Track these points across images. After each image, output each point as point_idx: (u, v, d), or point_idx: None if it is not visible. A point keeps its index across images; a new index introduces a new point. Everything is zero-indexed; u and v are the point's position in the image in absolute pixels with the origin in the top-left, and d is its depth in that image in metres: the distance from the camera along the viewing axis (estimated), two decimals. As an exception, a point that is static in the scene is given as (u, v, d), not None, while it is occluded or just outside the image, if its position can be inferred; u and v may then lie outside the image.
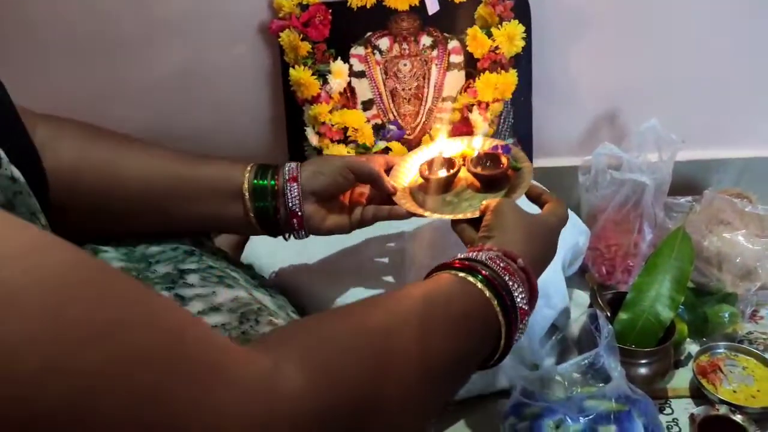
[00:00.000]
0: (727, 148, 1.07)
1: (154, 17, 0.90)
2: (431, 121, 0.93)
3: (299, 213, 0.63)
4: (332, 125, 0.88)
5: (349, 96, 0.92)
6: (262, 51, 0.94)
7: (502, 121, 0.92)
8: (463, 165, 0.70)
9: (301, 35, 0.87)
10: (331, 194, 0.66)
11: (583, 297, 0.91)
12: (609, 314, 0.79)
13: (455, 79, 0.92)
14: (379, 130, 0.93)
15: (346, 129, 0.89)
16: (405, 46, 0.91)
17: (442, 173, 0.70)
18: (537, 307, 0.77)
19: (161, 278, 0.57)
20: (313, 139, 0.90)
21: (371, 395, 0.39)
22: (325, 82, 0.89)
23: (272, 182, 0.62)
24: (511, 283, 0.50)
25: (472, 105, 0.89)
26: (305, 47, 0.87)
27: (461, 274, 0.49)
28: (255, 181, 0.62)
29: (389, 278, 0.79)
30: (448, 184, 0.70)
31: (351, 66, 0.91)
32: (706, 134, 1.05)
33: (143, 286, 0.32)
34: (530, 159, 0.94)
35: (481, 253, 0.52)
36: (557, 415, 0.67)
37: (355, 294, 0.76)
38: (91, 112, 0.95)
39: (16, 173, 0.42)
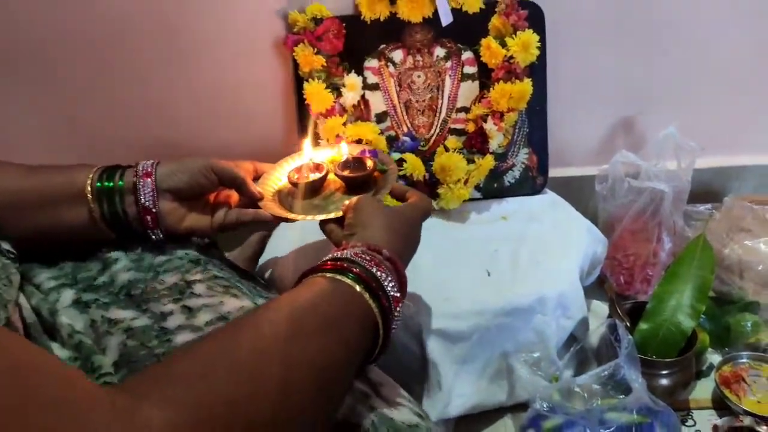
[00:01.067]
0: (747, 154, 1.06)
1: (172, 31, 0.92)
2: (446, 132, 0.93)
3: (153, 210, 0.61)
4: (346, 138, 0.89)
5: (363, 108, 0.93)
6: (276, 65, 0.95)
7: (517, 130, 0.92)
8: (331, 170, 0.71)
9: (315, 49, 0.87)
10: (191, 193, 0.65)
11: (601, 307, 0.90)
12: (628, 324, 0.79)
13: (469, 89, 0.92)
14: (393, 142, 0.93)
15: (360, 141, 0.89)
16: (419, 57, 0.92)
17: (311, 176, 0.71)
18: (555, 318, 0.78)
19: (169, 290, 0.57)
20: (328, 152, 0.90)
21: (248, 421, 0.38)
22: (339, 95, 0.90)
23: (120, 182, 0.60)
24: (379, 274, 0.52)
25: (487, 115, 0.89)
26: (319, 61, 0.87)
27: (329, 275, 0.50)
28: (99, 184, 0.60)
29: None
30: (316, 188, 0.71)
31: (365, 78, 0.92)
32: (726, 141, 1.04)
33: None
34: (546, 169, 0.95)
35: (346, 251, 0.53)
36: (577, 427, 0.67)
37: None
38: (110, 129, 0.99)
39: None
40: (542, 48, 0.88)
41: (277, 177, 0.73)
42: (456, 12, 0.88)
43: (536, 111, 0.92)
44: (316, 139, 0.90)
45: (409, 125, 0.94)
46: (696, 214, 0.92)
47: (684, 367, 0.75)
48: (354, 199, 0.63)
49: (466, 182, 0.90)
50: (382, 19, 0.89)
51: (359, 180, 0.70)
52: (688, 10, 0.92)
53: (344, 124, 0.90)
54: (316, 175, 0.71)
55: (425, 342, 0.74)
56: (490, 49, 0.87)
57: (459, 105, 0.93)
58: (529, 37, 0.85)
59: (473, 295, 0.76)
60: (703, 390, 0.79)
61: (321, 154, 0.75)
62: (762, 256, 0.83)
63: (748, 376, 0.76)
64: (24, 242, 0.58)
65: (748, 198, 0.95)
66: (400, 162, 0.92)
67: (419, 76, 0.92)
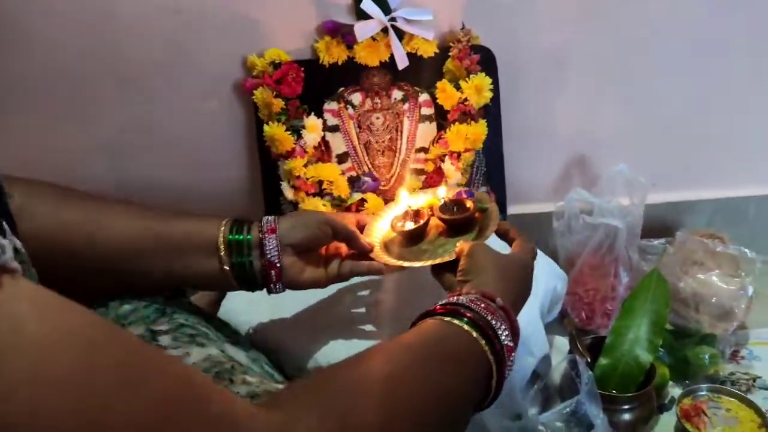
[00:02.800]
0: (698, 189, 1.09)
1: (129, 75, 0.92)
2: (405, 171, 0.94)
3: (278, 264, 0.63)
4: (307, 179, 0.89)
5: (323, 150, 0.93)
6: (236, 107, 0.95)
7: (474, 170, 0.94)
8: (432, 215, 0.72)
9: (275, 92, 0.88)
10: (309, 247, 0.67)
11: (563, 343, 0.90)
12: (589, 360, 0.79)
13: (427, 130, 0.94)
14: (354, 183, 0.94)
15: (321, 182, 0.90)
16: (377, 100, 0.93)
17: (412, 224, 0.71)
18: (518, 356, 0.78)
19: None
20: (289, 193, 0.90)
21: None
22: (300, 137, 0.91)
23: (249, 236, 0.63)
24: (494, 322, 0.52)
25: (445, 155, 0.90)
26: (279, 104, 0.88)
27: (446, 318, 0.51)
28: (231, 236, 0.62)
29: (366, 327, 0.78)
30: (420, 234, 0.71)
31: (325, 120, 0.93)
32: (677, 176, 1.08)
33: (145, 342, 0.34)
34: (505, 206, 0.96)
35: (461, 297, 0.54)
36: (540, 466, 0.66)
37: (333, 346, 0.75)
38: (66, 172, 0.97)
39: (18, 244, 0.41)
40: (495, 90, 0.90)
41: (379, 228, 0.74)
42: (411, 56, 0.90)
43: (492, 151, 0.94)
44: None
45: (369, 166, 0.95)
46: (650, 248, 0.94)
47: (644, 402, 0.75)
48: (467, 245, 0.63)
49: (426, 222, 0.90)
50: (340, 63, 0.90)
51: (462, 221, 0.70)
52: (636, 51, 0.96)
53: (305, 165, 0.90)
54: (420, 222, 0.71)
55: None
56: (445, 92, 0.89)
57: (418, 145, 0.94)
58: (482, 80, 0.88)
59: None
60: (665, 424, 0.79)
61: (418, 200, 0.76)
62: (715, 289, 0.85)
63: (708, 409, 0.77)
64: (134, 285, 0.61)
65: (701, 232, 0.97)
66: (362, 202, 0.92)
67: (378, 118, 0.94)
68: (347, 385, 0.43)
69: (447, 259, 0.64)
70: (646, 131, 1.04)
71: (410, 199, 0.76)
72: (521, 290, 0.62)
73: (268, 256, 0.63)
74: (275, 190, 0.92)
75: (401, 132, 0.94)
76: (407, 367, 0.46)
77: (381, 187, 0.94)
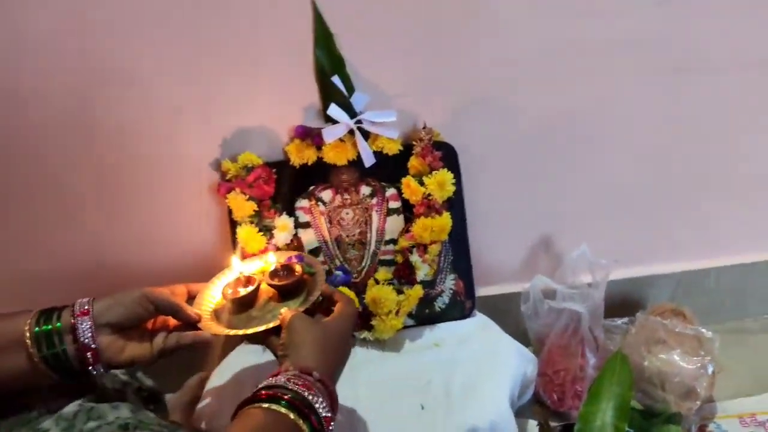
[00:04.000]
0: (660, 263, 1.14)
1: (110, 182, 0.96)
2: (376, 263, 0.98)
3: (93, 346, 0.63)
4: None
5: (296, 245, 0.97)
6: (211, 208, 0.99)
7: (442, 259, 0.98)
8: (262, 280, 0.76)
9: (247, 196, 0.93)
10: (129, 325, 0.67)
11: (535, 429, 0.92)
12: (560, 447, 0.81)
13: (395, 223, 0.98)
14: (327, 276, 0.97)
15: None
16: (346, 196, 0.98)
17: (243, 291, 0.74)
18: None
19: None
20: (263, 291, 0.93)
21: None
22: (272, 236, 0.94)
23: (58, 324, 0.62)
24: (311, 398, 0.58)
25: (412, 247, 0.94)
26: (251, 207, 0.92)
27: (265, 405, 0.56)
28: (37, 329, 0.61)
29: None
30: (251, 301, 0.75)
31: (296, 218, 0.97)
32: (639, 252, 1.13)
33: None
34: (473, 293, 0.99)
35: (280, 377, 0.59)
36: None
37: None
38: (49, 273, 1.00)
39: None
40: (458, 183, 0.95)
41: (211, 295, 0.77)
42: (377, 154, 0.95)
43: (458, 240, 0.98)
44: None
45: (341, 259, 0.98)
46: (614, 328, 0.98)
47: (615, 489, 0.77)
48: (288, 314, 0.68)
49: (397, 312, 0.93)
50: (310, 163, 0.95)
51: (290, 286, 0.74)
52: (589, 128, 1.01)
53: (278, 262, 0.93)
54: (249, 288, 0.74)
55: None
56: (410, 187, 0.94)
57: (387, 237, 0.98)
58: (444, 175, 0.93)
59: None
60: (639, 507, 0.81)
61: (250, 266, 0.80)
62: (677, 368, 0.88)
63: (678, 490, 0.79)
64: None
65: (663, 307, 1.01)
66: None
67: (348, 213, 0.98)
68: None
69: (270, 326, 0.68)
70: (606, 210, 1.09)
71: (242, 265, 0.80)
72: (339, 357, 0.68)
73: (81, 339, 0.62)
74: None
75: (370, 225, 0.98)
76: None
77: (353, 280, 0.98)
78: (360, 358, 0.92)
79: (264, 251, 0.92)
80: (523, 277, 1.08)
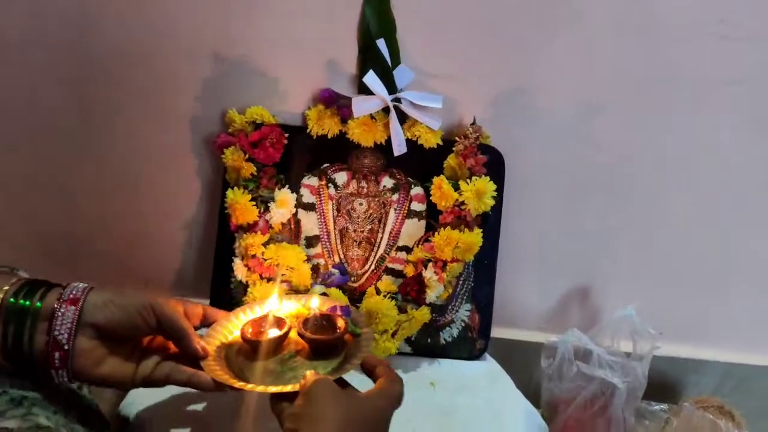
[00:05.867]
0: (710, 347, 0.96)
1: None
2: (381, 270, 0.81)
3: (65, 347, 0.49)
4: (264, 260, 0.76)
5: (292, 229, 0.81)
6: (206, 164, 0.84)
7: (460, 283, 0.81)
8: (293, 327, 0.60)
9: (247, 155, 0.77)
10: (121, 334, 0.52)
11: None
12: None
13: (414, 228, 0.82)
14: (318, 272, 0.81)
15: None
16: (363, 184, 0.82)
17: (267, 335, 0.59)
18: None
19: None
20: (240, 272, 0.77)
21: None
22: (267, 210, 0.78)
23: (38, 304, 0.48)
24: None
25: (429, 261, 0.78)
26: (249, 169, 0.77)
27: None
28: (12, 300, 0.48)
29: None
30: (273, 349, 0.59)
31: (300, 196, 0.81)
32: (686, 329, 0.95)
33: None
34: (488, 332, 0.83)
35: None
36: None
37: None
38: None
39: None
40: (498, 199, 0.79)
41: (230, 329, 0.61)
42: (411, 143, 0.80)
43: (484, 265, 0.81)
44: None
45: (341, 256, 0.82)
46: (650, 414, 0.80)
47: None
48: (312, 377, 0.51)
49: (394, 334, 0.77)
50: (330, 136, 0.80)
51: (326, 343, 0.58)
52: (664, 179, 0.86)
53: (265, 243, 0.77)
54: (275, 333, 0.58)
55: None
56: (441, 190, 0.78)
57: (400, 243, 0.82)
58: (485, 184, 0.77)
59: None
60: None
61: (285, 306, 0.64)
62: (723, 482, 0.70)
63: None
64: None
65: (707, 401, 0.84)
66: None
67: (361, 204, 0.82)
68: None
69: (288, 388, 0.52)
70: (661, 271, 0.92)
71: (277, 302, 0.64)
72: None
73: (56, 332, 0.48)
74: (226, 266, 0.79)
75: (384, 224, 0.82)
76: None
77: (350, 283, 0.81)
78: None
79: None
80: (549, 327, 0.92)
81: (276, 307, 0.63)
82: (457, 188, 0.78)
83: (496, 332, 0.89)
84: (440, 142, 0.80)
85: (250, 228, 0.77)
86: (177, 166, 0.85)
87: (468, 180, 0.77)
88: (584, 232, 0.89)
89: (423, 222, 0.82)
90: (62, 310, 0.49)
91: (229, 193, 0.77)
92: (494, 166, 0.80)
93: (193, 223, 0.87)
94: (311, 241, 0.82)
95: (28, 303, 0.48)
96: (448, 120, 0.81)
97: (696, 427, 0.74)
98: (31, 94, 0.81)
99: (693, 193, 0.87)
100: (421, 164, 0.81)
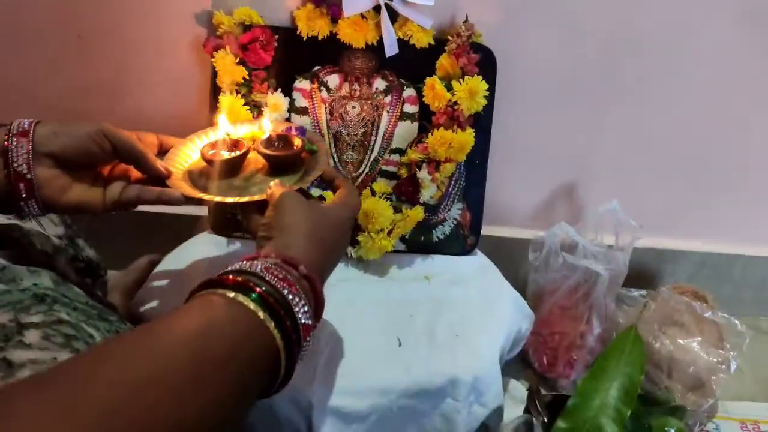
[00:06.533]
0: (687, 238, 1.01)
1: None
2: (375, 173, 0.83)
3: (27, 176, 0.52)
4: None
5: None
6: (194, 67, 0.83)
7: (452, 183, 0.83)
8: (252, 148, 0.63)
9: (238, 59, 0.76)
10: (78, 162, 0.55)
11: (520, 390, 0.81)
12: (546, 419, 0.70)
13: (407, 130, 0.83)
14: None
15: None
16: (356, 86, 0.82)
17: (228, 154, 0.62)
18: (466, 404, 0.68)
19: None
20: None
21: None
22: (260, 114, 0.78)
23: None
24: (291, 297, 0.44)
25: (422, 162, 0.79)
26: (241, 73, 0.76)
27: (231, 295, 0.42)
28: None
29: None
30: (235, 167, 0.62)
31: (293, 100, 0.81)
32: (667, 222, 0.99)
33: None
34: (479, 229, 0.86)
35: (257, 262, 0.45)
36: None
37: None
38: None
39: None
40: (490, 98, 0.80)
41: (187, 154, 0.63)
42: (403, 44, 0.79)
43: (476, 165, 0.83)
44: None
45: (336, 159, 0.83)
46: (629, 299, 0.85)
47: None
48: (278, 189, 0.54)
49: (390, 233, 0.80)
50: (320, 37, 0.78)
51: (286, 160, 0.61)
52: (651, 80, 0.87)
53: (260, 148, 0.78)
54: (236, 152, 0.61)
55: (314, 420, 0.62)
56: (434, 91, 0.78)
57: (394, 146, 0.83)
58: (478, 83, 0.77)
59: (378, 369, 0.66)
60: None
61: (239, 130, 0.66)
62: (694, 357, 0.77)
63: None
64: None
65: (683, 288, 0.89)
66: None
67: (354, 107, 0.82)
68: (83, 399, 0.32)
69: (256, 198, 0.56)
70: (644, 168, 0.95)
71: (230, 126, 0.66)
72: (333, 253, 0.55)
73: (15, 165, 0.51)
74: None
75: (377, 127, 0.83)
76: (137, 386, 0.33)
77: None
78: (336, 275, 0.78)
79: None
80: (536, 224, 0.95)
81: (229, 130, 0.65)
82: (450, 89, 0.78)
83: (486, 230, 0.93)
84: (432, 42, 0.79)
85: (245, 133, 0.78)
86: (166, 71, 0.83)
87: (461, 80, 0.78)
88: (569, 132, 0.90)
89: (416, 124, 0.83)
90: (14, 143, 0.51)
91: (222, 99, 0.76)
92: (486, 65, 0.79)
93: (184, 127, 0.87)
94: (305, 146, 0.82)
95: None
96: (439, 19, 0.80)
97: (672, 308, 0.80)
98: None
99: (674, 92, 0.88)
100: (412, 65, 0.81)
